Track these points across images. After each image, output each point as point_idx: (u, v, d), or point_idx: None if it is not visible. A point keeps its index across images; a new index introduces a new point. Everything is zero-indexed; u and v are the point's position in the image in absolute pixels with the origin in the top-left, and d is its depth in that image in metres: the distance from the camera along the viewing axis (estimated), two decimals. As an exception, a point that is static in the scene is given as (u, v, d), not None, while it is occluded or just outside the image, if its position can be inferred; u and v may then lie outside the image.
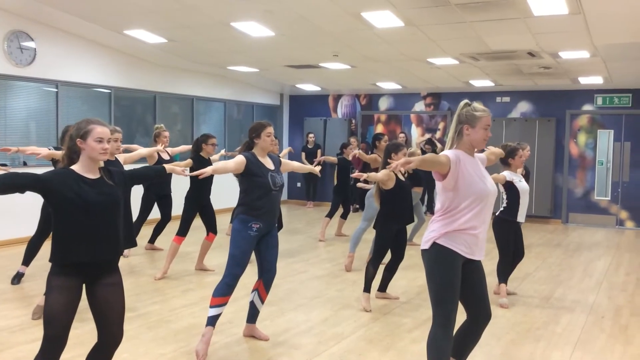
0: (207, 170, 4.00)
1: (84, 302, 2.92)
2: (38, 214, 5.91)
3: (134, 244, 5.89)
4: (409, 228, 7.00)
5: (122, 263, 6.09)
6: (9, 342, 4.35)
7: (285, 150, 9.82)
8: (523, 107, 12.25)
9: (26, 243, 6.07)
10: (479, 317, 3.34)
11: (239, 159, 4.21)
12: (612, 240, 10.08)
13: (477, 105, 3.30)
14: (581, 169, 11.85)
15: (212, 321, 4.17)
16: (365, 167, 9.18)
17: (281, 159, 4.61)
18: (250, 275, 4.71)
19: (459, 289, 3.20)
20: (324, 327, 4.93)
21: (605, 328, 5.10)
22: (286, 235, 8.95)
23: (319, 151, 13.43)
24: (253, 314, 4.54)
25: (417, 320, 5.15)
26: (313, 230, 9.95)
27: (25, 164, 8.40)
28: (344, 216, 9.38)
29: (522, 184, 5.77)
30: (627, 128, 11.44)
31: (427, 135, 12.92)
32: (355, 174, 4.82)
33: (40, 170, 2.92)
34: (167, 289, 6.01)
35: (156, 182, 7.14)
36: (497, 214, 5.83)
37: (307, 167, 5.02)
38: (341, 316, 5.24)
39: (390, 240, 5.49)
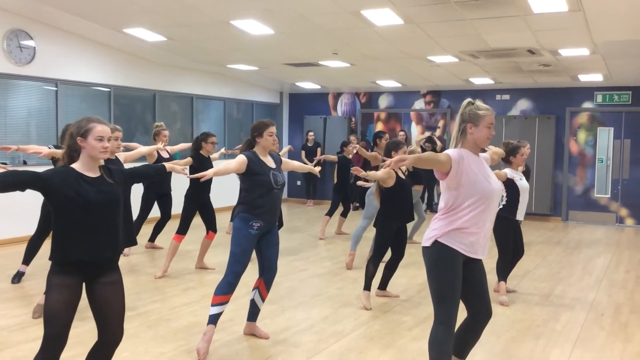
0: (209, 173, 3.96)
1: (84, 301, 2.92)
2: (38, 213, 5.90)
3: (134, 243, 5.88)
4: (409, 226, 7.02)
5: (122, 262, 6.09)
6: (9, 341, 4.35)
7: (285, 148, 9.82)
8: (523, 104, 12.25)
9: (26, 242, 6.06)
10: (480, 315, 3.34)
11: (241, 159, 4.21)
12: (612, 237, 10.08)
13: (480, 104, 3.30)
14: (581, 167, 11.85)
15: (213, 319, 4.17)
16: (366, 165, 9.18)
17: (282, 158, 4.61)
18: (250, 273, 4.71)
19: (459, 287, 3.20)
20: (324, 325, 4.93)
21: (605, 325, 5.10)
22: (286, 234, 8.95)
23: (318, 149, 13.43)
24: (254, 312, 4.55)
25: (417, 318, 5.15)
26: (313, 229, 9.95)
27: (25, 162, 8.40)
28: (344, 214, 9.37)
29: (522, 182, 5.78)
30: (627, 125, 11.44)
31: (427, 133, 12.92)
32: (355, 167, 4.81)
33: (40, 169, 2.91)
34: (167, 288, 6.01)
35: (156, 180, 7.16)
36: (496, 211, 5.82)
37: (307, 167, 5.01)
38: (341, 314, 5.24)
39: (391, 238, 5.49)
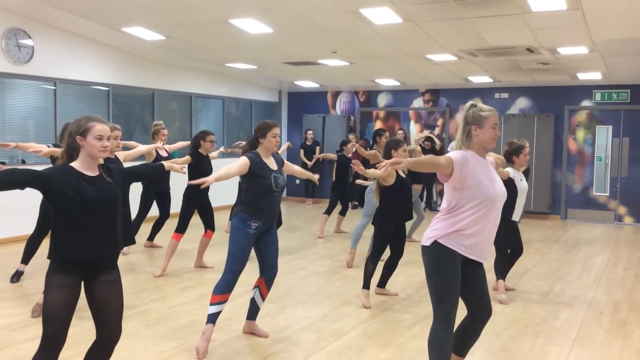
0: (209, 180, 3.87)
1: (82, 300, 2.92)
2: (37, 212, 5.89)
3: (133, 242, 5.88)
4: (408, 225, 7.01)
5: (121, 260, 6.09)
6: (8, 341, 4.34)
7: (284, 145, 9.81)
8: (522, 103, 12.25)
9: (25, 241, 6.06)
10: (479, 314, 3.35)
11: (243, 162, 4.18)
12: (611, 235, 10.09)
13: (483, 105, 3.30)
14: (580, 165, 11.86)
15: (212, 318, 4.17)
16: (365, 163, 9.17)
17: (284, 160, 4.60)
18: (249, 272, 4.71)
19: (459, 286, 3.21)
20: (324, 323, 4.93)
21: (604, 323, 5.11)
22: (285, 232, 8.95)
23: (317, 148, 13.42)
24: (253, 311, 4.55)
25: (416, 316, 5.16)
26: (312, 227, 9.95)
27: (24, 161, 8.40)
28: (342, 213, 9.38)
29: (522, 184, 5.79)
30: (626, 124, 11.45)
31: (426, 132, 12.93)
32: (355, 160, 4.80)
33: (39, 168, 2.91)
34: (166, 287, 6.01)
35: (155, 179, 7.15)
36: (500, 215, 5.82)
37: (307, 174, 5.00)
38: (341, 313, 5.24)
39: (389, 236, 5.49)
